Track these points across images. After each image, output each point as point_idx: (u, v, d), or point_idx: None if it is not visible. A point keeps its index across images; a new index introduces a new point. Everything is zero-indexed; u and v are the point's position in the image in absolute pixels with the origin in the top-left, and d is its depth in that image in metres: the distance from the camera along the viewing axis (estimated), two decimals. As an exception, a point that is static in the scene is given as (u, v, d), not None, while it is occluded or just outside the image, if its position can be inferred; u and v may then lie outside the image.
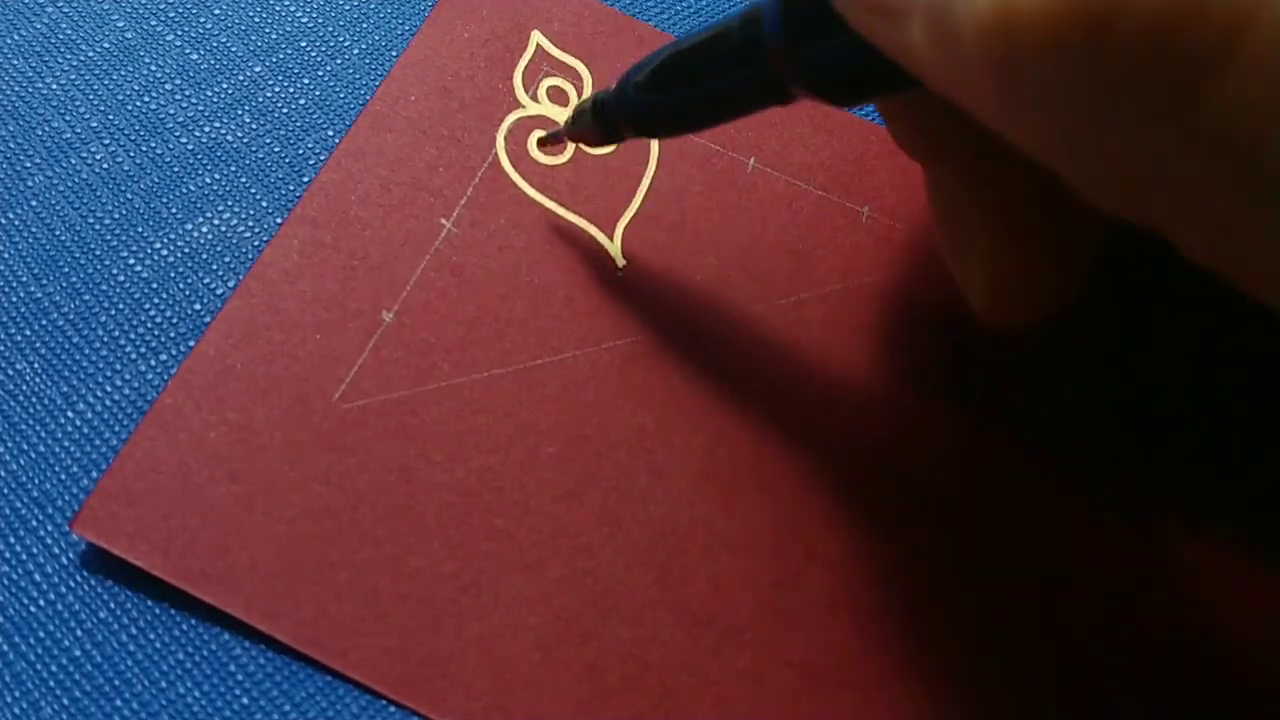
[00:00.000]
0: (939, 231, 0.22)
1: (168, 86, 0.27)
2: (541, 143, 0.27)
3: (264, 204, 0.26)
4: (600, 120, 0.23)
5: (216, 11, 0.28)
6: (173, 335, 0.24)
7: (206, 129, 0.27)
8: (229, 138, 0.27)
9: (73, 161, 0.26)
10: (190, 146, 0.26)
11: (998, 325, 0.21)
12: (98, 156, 0.26)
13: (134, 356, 0.24)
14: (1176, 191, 0.13)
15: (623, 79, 0.22)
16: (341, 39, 0.28)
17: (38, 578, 0.22)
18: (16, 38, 0.27)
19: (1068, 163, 0.14)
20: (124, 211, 0.26)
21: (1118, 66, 0.12)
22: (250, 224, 0.26)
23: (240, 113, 0.27)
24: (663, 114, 0.22)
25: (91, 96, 0.27)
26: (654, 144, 0.27)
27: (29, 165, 0.26)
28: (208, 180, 0.26)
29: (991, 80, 0.14)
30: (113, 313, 0.25)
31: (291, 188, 0.26)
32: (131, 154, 0.26)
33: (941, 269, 0.26)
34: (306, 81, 0.28)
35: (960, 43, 0.14)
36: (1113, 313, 0.26)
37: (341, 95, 0.27)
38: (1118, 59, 0.12)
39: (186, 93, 0.27)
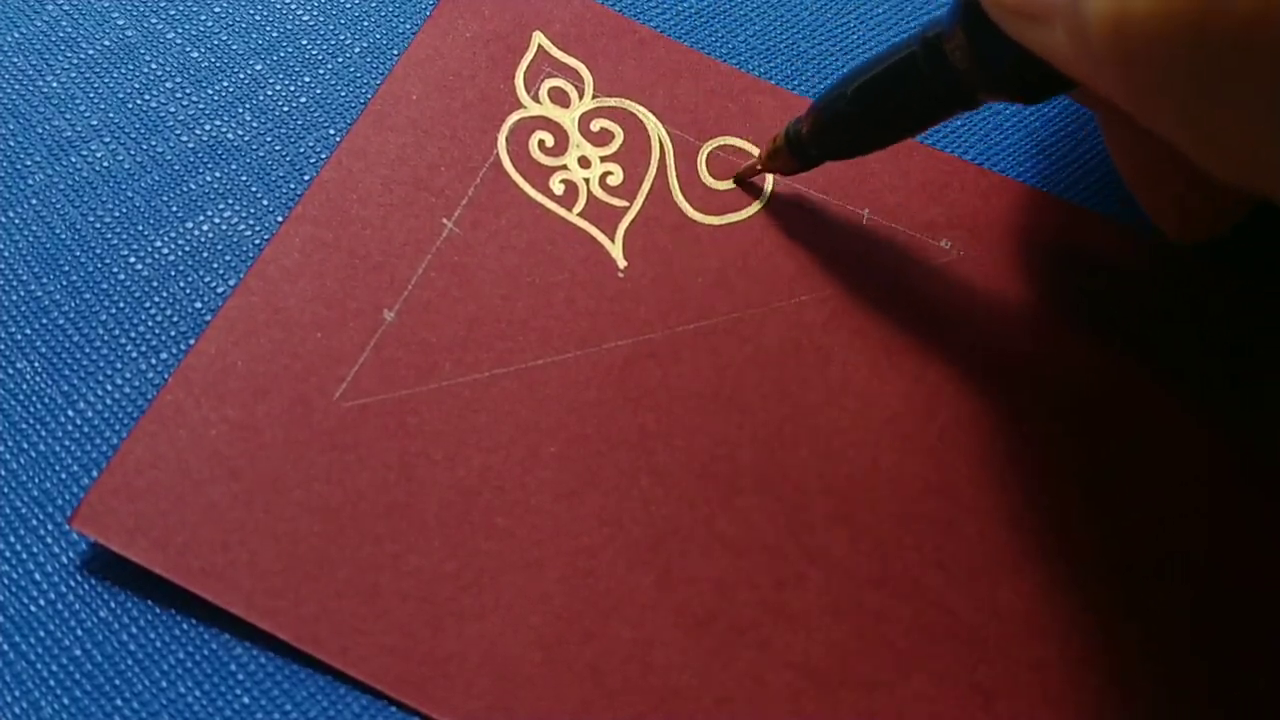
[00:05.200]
0: (1123, 173, 0.24)
1: (168, 84, 0.27)
2: (737, 179, 0.27)
3: (265, 202, 0.26)
4: (794, 149, 0.25)
5: (217, 9, 0.28)
6: (173, 334, 0.24)
7: (207, 127, 0.27)
8: (230, 136, 0.27)
9: (73, 159, 0.26)
10: (191, 145, 0.26)
11: (1184, 242, 0.24)
12: (98, 154, 0.26)
13: (134, 355, 0.24)
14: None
15: (816, 108, 0.24)
16: (343, 37, 0.28)
17: (38, 577, 0.22)
18: (17, 35, 0.27)
19: (1188, 140, 0.16)
20: (124, 210, 0.26)
21: (1219, 57, 0.15)
22: (251, 222, 0.26)
23: (241, 111, 0.27)
24: (860, 136, 0.24)
25: (92, 94, 0.27)
26: (656, 146, 0.27)
27: (29, 163, 0.26)
28: (208, 178, 0.26)
29: (1115, 72, 0.16)
30: (113, 311, 0.25)
31: (292, 186, 0.26)
32: (132, 152, 0.26)
33: (940, 270, 0.26)
34: (308, 80, 0.27)
35: (1090, 42, 0.16)
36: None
37: (343, 94, 0.27)
38: (1219, 51, 0.14)
39: (187, 90, 0.27)
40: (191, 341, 0.24)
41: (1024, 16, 0.18)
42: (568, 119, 0.27)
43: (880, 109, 0.23)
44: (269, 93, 0.27)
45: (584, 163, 0.27)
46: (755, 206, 0.27)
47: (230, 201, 0.26)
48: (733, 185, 0.27)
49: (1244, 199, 0.23)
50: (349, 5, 0.29)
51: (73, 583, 0.22)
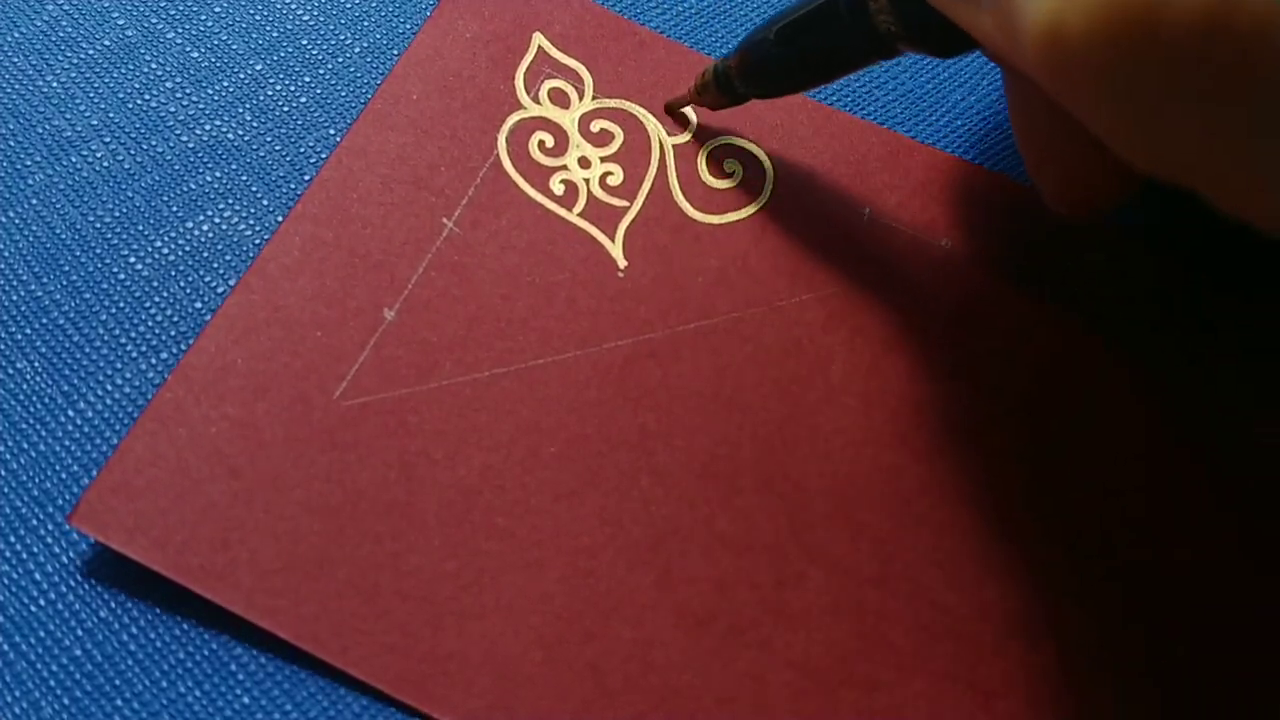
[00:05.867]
0: (1015, 126, 0.24)
1: (168, 84, 0.27)
2: (668, 108, 0.28)
3: (265, 202, 0.26)
4: (721, 84, 0.26)
5: (217, 9, 0.28)
6: (173, 333, 0.24)
7: (207, 127, 0.27)
8: (230, 136, 0.27)
9: (73, 159, 0.26)
10: (191, 144, 0.26)
11: (1062, 215, 0.24)
12: (98, 154, 0.26)
13: (134, 355, 0.24)
14: (1215, 154, 0.15)
15: (742, 45, 0.25)
16: (343, 37, 0.28)
17: (38, 577, 0.22)
18: (17, 35, 0.27)
19: (1113, 138, 0.17)
20: (125, 209, 0.26)
21: (1163, 64, 0.15)
22: (251, 222, 0.26)
23: (241, 111, 0.27)
24: (779, 72, 0.25)
25: (92, 94, 0.27)
26: (656, 146, 0.27)
27: (29, 163, 0.26)
28: (209, 178, 0.26)
29: (1045, 75, 0.16)
30: (113, 311, 0.25)
31: (292, 186, 0.26)
32: (132, 152, 0.26)
33: (940, 270, 0.26)
34: (308, 79, 0.27)
35: (1021, 44, 0.16)
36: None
37: (343, 93, 0.27)
38: (1163, 58, 0.15)
39: (187, 90, 0.27)
40: (191, 341, 0.24)
41: None
42: (568, 119, 0.27)
43: (802, 51, 0.24)
44: (269, 93, 0.27)
45: (584, 163, 0.27)
46: (756, 206, 0.27)
47: (230, 201, 0.26)
48: (733, 185, 0.27)
49: (1133, 181, 0.23)
50: (349, 5, 0.29)
51: (73, 583, 0.22)
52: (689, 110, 0.28)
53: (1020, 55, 0.17)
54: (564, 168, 0.27)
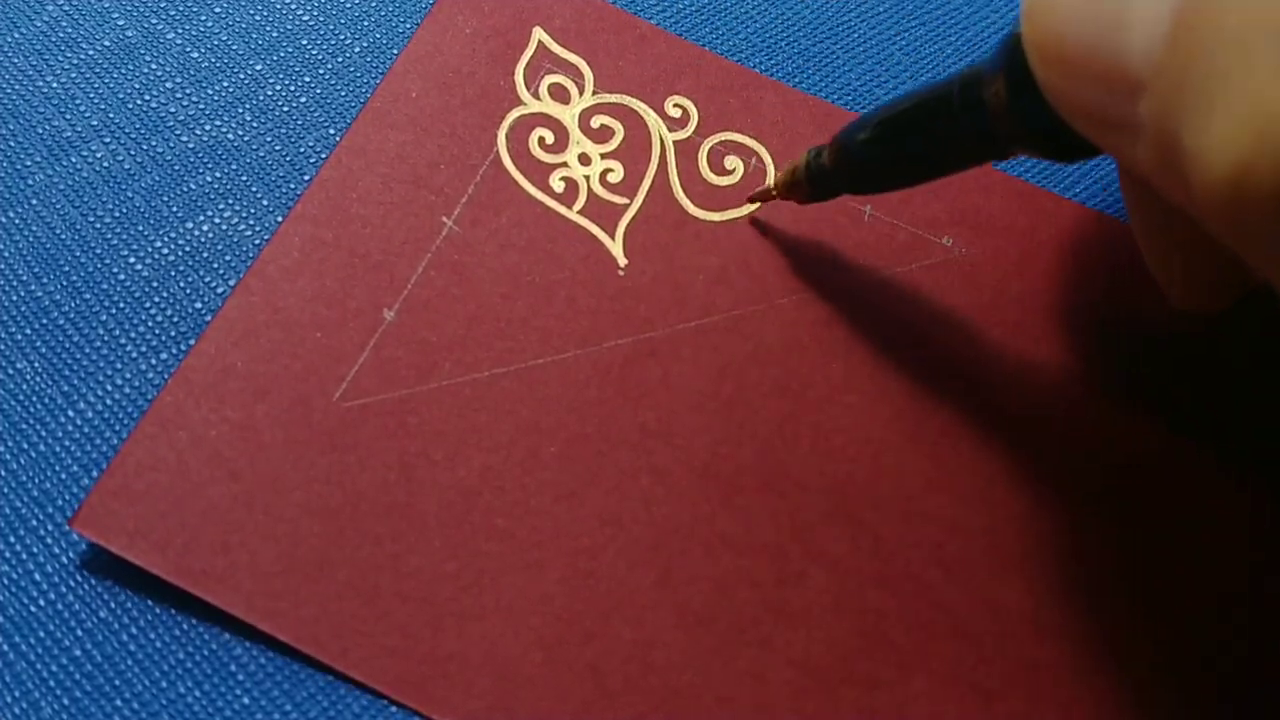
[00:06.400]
0: (1136, 228, 0.23)
1: (168, 84, 0.27)
2: (751, 200, 0.26)
3: (265, 202, 0.26)
4: (814, 180, 0.24)
5: (217, 9, 0.28)
6: (173, 334, 0.24)
7: (207, 127, 0.27)
8: (230, 136, 0.27)
9: (73, 160, 0.26)
10: (191, 145, 0.26)
11: (1187, 312, 0.23)
12: (98, 155, 0.26)
13: (134, 355, 0.24)
14: None
15: (838, 140, 0.23)
16: (342, 37, 0.28)
17: (38, 577, 0.22)
18: (17, 35, 0.27)
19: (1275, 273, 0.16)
20: (124, 210, 0.26)
21: None
22: (251, 222, 0.26)
23: (241, 111, 0.27)
24: (882, 172, 0.23)
25: (92, 95, 0.27)
26: (656, 142, 0.27)
27: (29, 164, 0.26)
28: (208, 179, 0.26)
29: (1216, 219, 0.15)
30: (113, 311, 0.25)
31: (292, 186, 0.26)
32: (132, 152, 0.26)
33: (940, 270, 0.26)
34: (307, 79, 0.27)
35: (1190, 181, 0.15)
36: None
37: (342, 93, 0.27)
38: None
39: (187, 91, 0.27)
40: (191, 342, 0.24)
41: (1093, 121, 0.17)
42: (568, 115, 0.27)
43: (905, 147, 0.22)
44: (269, 93, 0.27)
45: (584, 160, 0.27)
46: (756, 203, 0.26)
47: (230, 201, 0.26)
48: (734, 182, 0.27)
49: (1252, 278, 0.22)
50: (349, 5, 0.29)
51: (73, 583, 0.22)
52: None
53: (1185, 193, 0.15)
54: (564, 165, 0.27)
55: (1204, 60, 0.15)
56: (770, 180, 0.26)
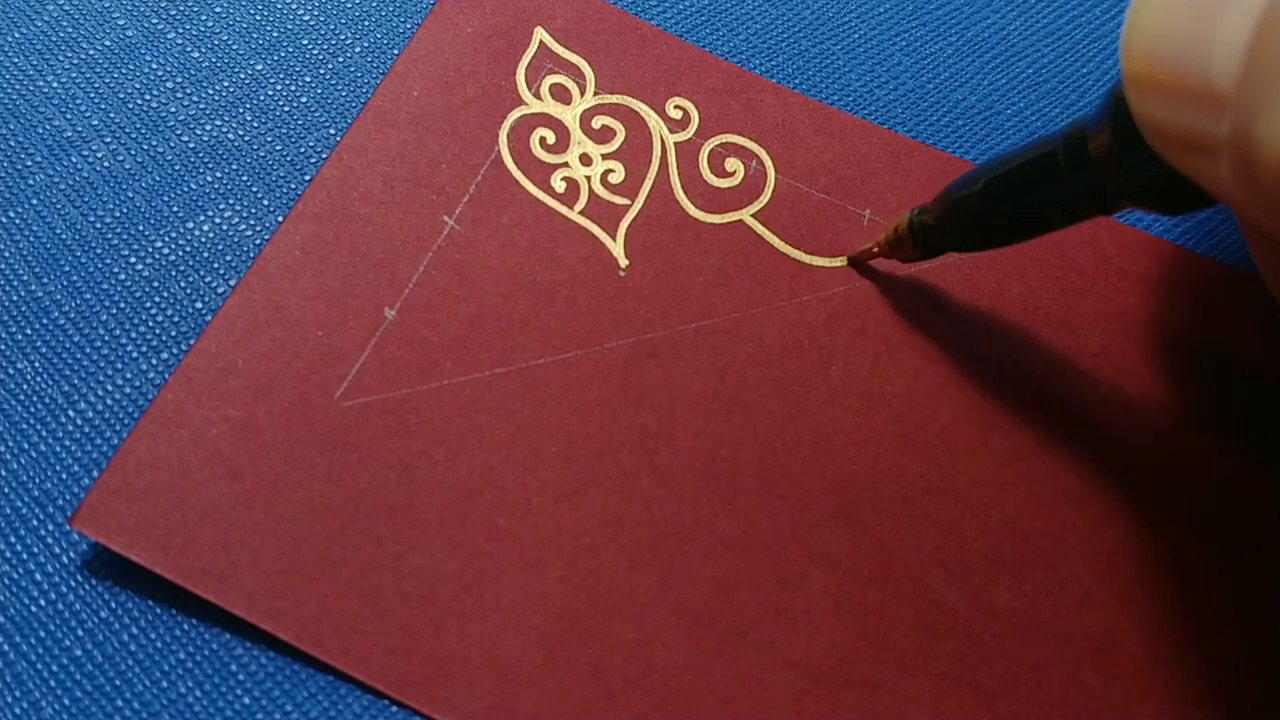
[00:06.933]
0: (1256, 257, 0.23)
1: (169, 84, 0.27)
2: (852, 261, 0.26)
3: (265, 202, 0.26)
4: (918, 239, 0.24)
5: (218, 9, 0.28)
6: (174, 334, 0.24)
7: (208, 127, 0.27)
8: (230, 136, 0.27)
9: (74, 159, 0.26)
10: (191, 144, 0.26)
11: None
12: (99, 154, 0.26)
13: (135, 355, 0.24)
14: None
15: (943, 201, 0.23)
16: (343, 36, 0.28)
17: (38, 577, 0.22)
18: (17, 35, 0.27)
19: None
20: (125, 210, 0.26)
21: None
22: (251, 222, 0.26)
23: (242, 110, 0.27)
24: (986, 230, 0.23)
25: (92, 94, 0.27)
26: (657, 143, 0.27)
27: (30, 163, 0.26)
28: (209, 178, 0.26)
29: None
30: (114, 311, 0.25)
31: (293, 186, 0.26)
32: (133, 152, 0.26)
33: (941, 270, 0.26)
34: (308, 79, 0.27)
35: (1260, 176, 0.16)
36: None
37: (343, 93, 0.27)
38: None
39: (188, 90, 0.27)
40: (192, 341, 0.24)
41: (1184, 146, 0.17)
42: (569, 116, 0.27)
43: (1012, 205, 0.22)
44: (269, 92, 0.27)
45: (585, 160, 0.27)
46: (757, 205, 0.27)
47: (231, 201, 0.26)
48: (735, 184, 0.27)
49: None
50: (349, 5, 0.29)
51: (73, 583, 0.22)
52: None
53: (1261, 203, 0.16)
54: (565, 165, 0.27)
55: (1274, 65, 0.15)
56: (875, 243, 0.26)
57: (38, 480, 0.23)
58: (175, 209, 0.26)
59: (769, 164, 0.27)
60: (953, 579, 0.23)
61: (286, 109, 0.27)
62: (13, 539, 0.22)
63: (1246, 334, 0.26)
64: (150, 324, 0.24)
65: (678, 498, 0.23)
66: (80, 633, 0.22)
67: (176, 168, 0.26)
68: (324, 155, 0.26)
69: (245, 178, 0.26)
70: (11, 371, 0.24)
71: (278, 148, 0.27)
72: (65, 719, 0.21)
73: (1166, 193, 0.19)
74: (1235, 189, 0.17)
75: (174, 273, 0.25)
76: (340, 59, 0.28)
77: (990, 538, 0.24)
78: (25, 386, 0.24)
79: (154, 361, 0.24)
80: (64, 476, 0.23)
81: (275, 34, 0.28)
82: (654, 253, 0.26)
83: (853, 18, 0.30)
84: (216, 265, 0.25)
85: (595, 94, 0.28)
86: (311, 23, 0.28)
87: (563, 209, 0.26)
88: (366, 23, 0.28)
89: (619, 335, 0.25)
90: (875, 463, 0.24)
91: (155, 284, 0.25)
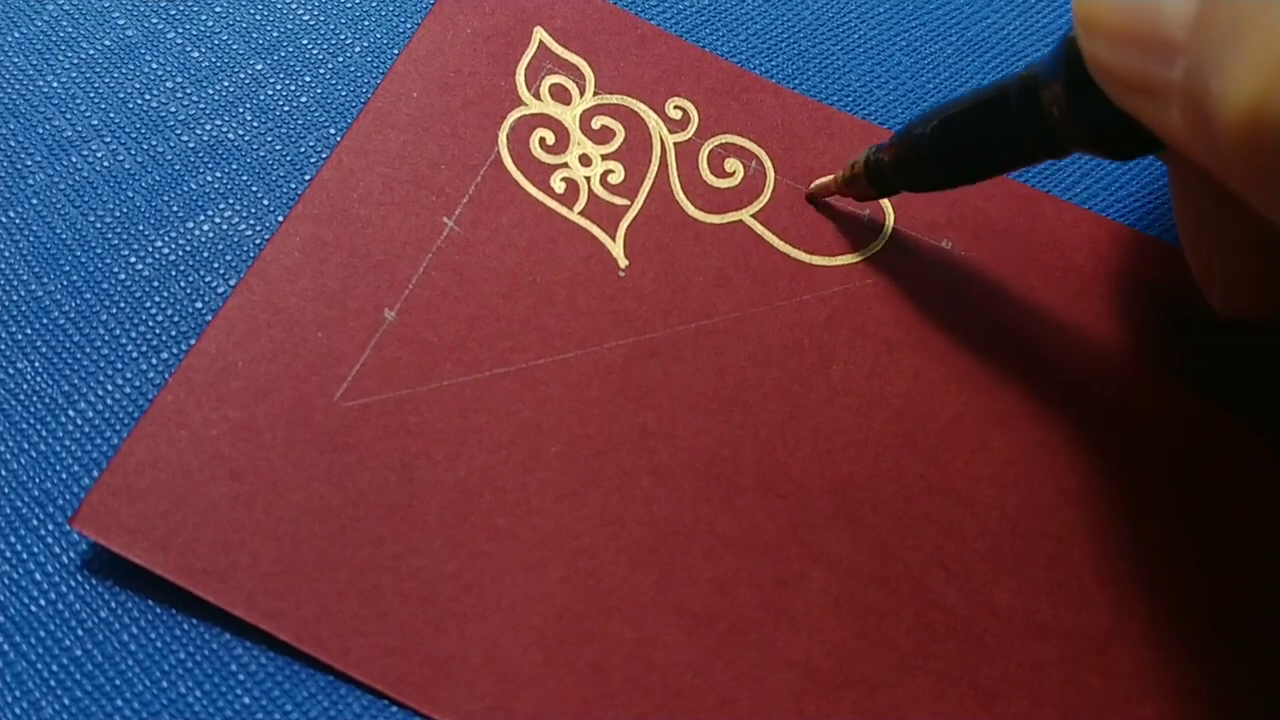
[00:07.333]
0: (1182, 231, 0.23)
1: (169, 84, 0.27)
2: (810, 197, 0.27)
3: (265, 202, 0.26)
4: (873, 176, 0.25)
5: (218, 9, 0.28)
6: (174, 333, 0.24)
7: (208, 127, 0.27)
8: (230, 135, 0.27)
9: (73, 159, 0.26)
10: (191, 144, 0.26)
11: (1231, 317, 0.23)
12: (99, 154, 0.26)
13: (135, 355, 0.24)
14: None
15: (898, 137, 0.24)
16: (343, 36, 0.28)
17: (38, 577, 0.22)
18: (17, 35, 0.27)
19: None
20: (125, 209, 0.26)
21: None
22: (251, 222, 0.26)
23: (241, 110, 0.27)
24: (940, 170, 0.24)
25: (92, 94, 0.27)
26: (657, 144, 0.27)
27: (30, 163, 0.26)
28: (209, 178, 0.26)
29: (1240, 162, 0.16)
30: (114, 311, 0.25)
31: (293, 186, 0.26)
32: (132, 152, 0.26)
33: (941, 270, 0.26)
34: (308, 79, 0.27)
35: (1214, 127, 0.16)
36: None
37: (343, 93, 0.27)
38: None
39: (188, 90, 0.27)
40: (192, 341, 0.24)
41: (1133, 89, 0.18)
42: (569, 116, 0.27)
43: (964, 145, 0.23)
44: (269, 92, 0.27)
45: (585, 160, 0.27)
46: (757, 205, 0.27)
47: (231, 201, 0.26)
48: (734, 185, 0.27)
49: None
50: (349, 5, 0.29)
51: (73, 583, 0.22)
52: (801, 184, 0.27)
53: (1213, 150, 0.16)
54: (565, 165, 0.27)
55: (1229, 14, 0.15)
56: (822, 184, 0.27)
57: (38, 480, 0.23)
58: (175, 209, 0.26)
59: (768, 164, 0.27)
60: (953, 579, 0.23)
61: (286, 109, 0.27)
62: (13, 539, 0.22)
63: (1251, 338, 0.26)
64: (150, 324, 0.24)
65: (678, 497, 0.23)
66: (80, 633, 0.22)
67: (176, 167, 0.26)
68: (324, 155, 0.26)
69: (245, 178, 0.26)
70: (11, 371, 0.24)
71: (278, 148, 0.27)
72: (65, 719, 0.21)
73: (1115, 140, 0.20)
74: (1186, 134, 0.17)
75: (174, 273, 0.25)
76: (340, 59, 0.28)
77: (990, 538, 0.24)
78: (25, 386, 0.24)
79: (154, 361, 0.24)
80: (64, 476, 0.23)
81: (275, 34, 0.28)
82: (654, 253, 0.26)
83: (853, 18, 0.30)
84: (216, 265, 0.25)
85: (595, 94, 0.28)
86: (311, 23, 0.28)
87: (562, 209, 0.26)
88: (366, 23, 0.28)
89: (619, 335, 0.25)
90: (875, 462, 0.24)
91: (155, 284, 0.25)
